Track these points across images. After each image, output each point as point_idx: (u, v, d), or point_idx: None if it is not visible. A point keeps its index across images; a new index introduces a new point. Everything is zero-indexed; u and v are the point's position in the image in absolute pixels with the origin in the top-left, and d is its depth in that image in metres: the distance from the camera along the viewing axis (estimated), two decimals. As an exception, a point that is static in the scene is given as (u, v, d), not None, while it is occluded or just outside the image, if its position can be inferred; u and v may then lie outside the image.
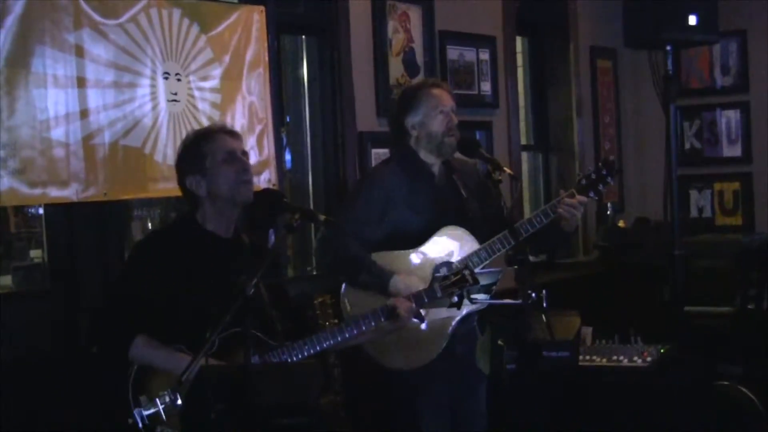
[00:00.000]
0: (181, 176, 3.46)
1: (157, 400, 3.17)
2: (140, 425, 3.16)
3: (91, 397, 3.63)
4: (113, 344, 3.29)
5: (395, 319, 3.65)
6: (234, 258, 3.40)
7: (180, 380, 2.89)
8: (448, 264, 3.92)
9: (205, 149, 3.42)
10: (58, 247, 4.20)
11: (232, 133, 3.53)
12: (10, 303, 4.02)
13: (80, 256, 4.19)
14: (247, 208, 3.51)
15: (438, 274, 3.80)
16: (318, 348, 3.44)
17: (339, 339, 3.52)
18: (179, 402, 3.13)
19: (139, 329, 3.28)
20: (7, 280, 4.28)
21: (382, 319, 3.63)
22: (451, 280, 3.68)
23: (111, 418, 3.28)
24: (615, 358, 4.83)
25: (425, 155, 4.08)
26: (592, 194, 4.02)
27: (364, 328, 3.59)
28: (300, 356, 3.39)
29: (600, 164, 4.07)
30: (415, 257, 3.98)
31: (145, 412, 3.16)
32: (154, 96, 4.24)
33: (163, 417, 3.15)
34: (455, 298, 3.68)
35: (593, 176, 4.02)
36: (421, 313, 3.74)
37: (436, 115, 4.03)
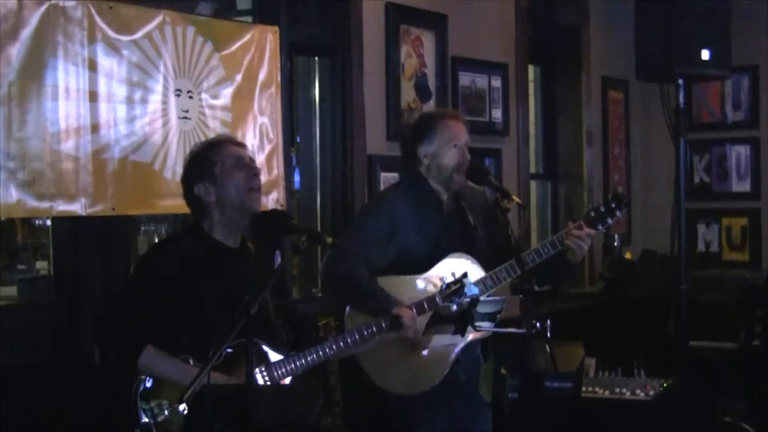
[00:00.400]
0: (189, 185, 3.46)
1: (165, 411, 3.17)
2: None
3: (95, 410, 3.64)
4: (122, 353, 3.29)
5: (398, 328, 3.68)
6: (241, 267, 3.41)
7: (182, 399, 2.89)
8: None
9: (214, 157, 3.43)
10: (63, 260, 4.20)
11: (239, 143, 3.58)
12: (14, 314, 4.02)
13: (86, 269, 4.19)
14: (254, 228, 3.51)
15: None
16: (321, 354, 3.47)
17: (341, 344, 3.55)
18: (185, 412, 3.13)
19: (147, 339, 3.28)
20: (12, 291, 4.28)
21: (384, 327, 3.66)
22: (451, 289, 3.68)
23: (113, 428, 3.29)
24: (617, 390, 4.81)
25: (434, 183, 4.07)
26: (600, 227, 4.01)
27: (366, 333, 3.62)
28: (304, 363, 3.41)
29: (610, 197, 4.07)
30: (420, 283, 3.96)
31: (152, 421, 3.17)
32: (165, 112, 4.25)
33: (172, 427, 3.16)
34: (454, 307, 3.67)
35: (602, 209, 4.01)
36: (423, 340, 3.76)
37: (449, 148, 4.01)
